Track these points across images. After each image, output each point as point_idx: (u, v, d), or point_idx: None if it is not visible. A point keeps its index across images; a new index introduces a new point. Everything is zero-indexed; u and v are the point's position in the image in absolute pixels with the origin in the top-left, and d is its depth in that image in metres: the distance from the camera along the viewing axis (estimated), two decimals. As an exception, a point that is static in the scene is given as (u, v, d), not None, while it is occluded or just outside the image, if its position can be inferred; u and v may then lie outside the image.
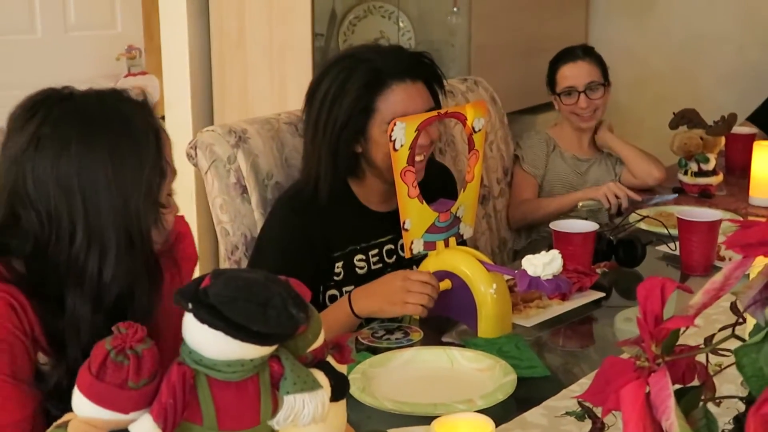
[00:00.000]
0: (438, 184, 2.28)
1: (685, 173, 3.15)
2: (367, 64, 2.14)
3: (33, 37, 3.98)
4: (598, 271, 2.31)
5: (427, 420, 1.36)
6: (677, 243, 2.43)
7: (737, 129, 3.35)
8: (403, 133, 2.01)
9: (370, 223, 2.23)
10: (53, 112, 1.48)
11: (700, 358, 1.19)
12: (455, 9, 4.04)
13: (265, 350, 1.21)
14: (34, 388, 1.45)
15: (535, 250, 1.96)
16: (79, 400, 1.18)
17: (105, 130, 1.48)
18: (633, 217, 2.69)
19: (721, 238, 2.36)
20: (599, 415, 1.59)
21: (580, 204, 2.90)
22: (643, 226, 2.65)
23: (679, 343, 1.16)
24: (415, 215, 2.08)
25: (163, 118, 3.51)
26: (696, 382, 1.18)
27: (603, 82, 3.23)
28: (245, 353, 1.19)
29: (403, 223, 2.07)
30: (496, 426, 1.38)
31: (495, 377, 1.75)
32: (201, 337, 1.19)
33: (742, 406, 1.22)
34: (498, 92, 3.17)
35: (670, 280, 1.14)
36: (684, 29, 4.51)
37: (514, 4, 4.16)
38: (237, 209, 2.29)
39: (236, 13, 3.79)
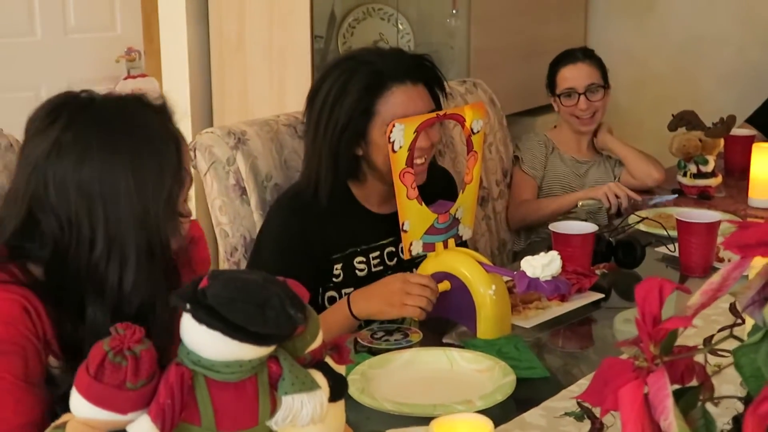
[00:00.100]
0: (438, 189, 2.28)
1: (684, 175, 3.15)
2: (368, 67, 2.14)
3: (32, 39, 3.97)
4: (598, 272, 2.31)
5: (427, 421, 1.36)
6: (676, 244, 2.43)
7: (736, 131, 3.35)
8: (401, 135, 2.01)
9: (370, 225, 2.23)
10: (75, 118, 1.47)
11: (699, 358, 1.19)
12: (454, 11, 4.04)
13: (263, 351, 1.21)
14: (45, 392, 1.45)
15: (534, 252, 1.96)
16: (77, 400, 1.18)
17: (127, 138, 1.48)
18: (632, 218, 2.69)
19: (720, 240, 2.36)
20: (598, 415, 1.59)
21: (580, 203, 2.91)
22: (642, 227, 2.65)
23: (679, 344, 1.16)
24: (414, 217, 2.08)
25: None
26: (695, 383, 1.18)
27: (603, 84, 3.23)
28: (243, 354, 1.19)
29: (402, 224, 2.07)
30: (496, 426, 1.38)
31: (494, 378, 1.75)
32: (199, 338, 1.19)
33: (740, 407, 1.22)
34: (497, 94, 3.17)
35: (668, 280, 1.14)
36: (683, 31, 4.51)
37: (513, 6, 4.16)
38: (236, 211, 2.29)
39: (236, 15, 3.80)
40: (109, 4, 4.18)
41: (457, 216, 2.16)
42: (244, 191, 2.29)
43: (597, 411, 1.59)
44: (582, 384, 1.74)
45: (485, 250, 2.97)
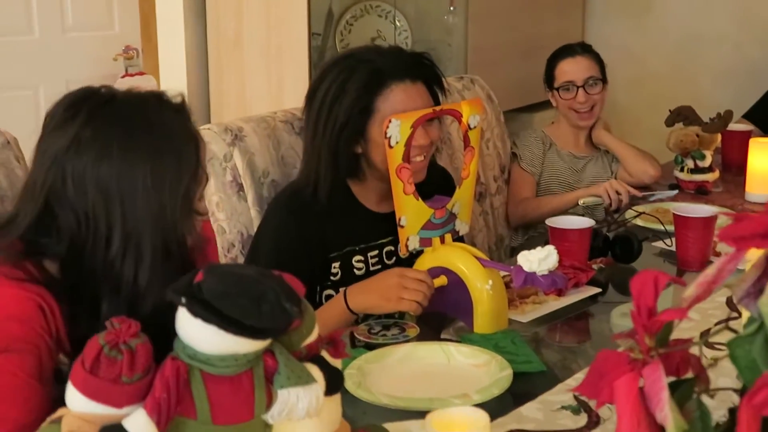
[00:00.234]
0: (434, 187, 2.27)
1: (682, 170, 3.15)
2: (368, 65, 2.14)
3: (30, 38, 3.98)
4: (595, 267, 2.31)
5: (423, 415, 1.36)
6: (673, 239, 2.43)
7: (733, 126, 3.36)
8: (398, 131, 2.01)
9: (369, 224, 2.23)
10: (95, 114, 1.47)
11: (695, 351, 1.19)
12: (452, 8, 4.04)
13: (258, 345, 1.21)
14: (55, 390, 1.45)
15: (532, 247, 1.96)
16: (72, 394, 1.18)
17: (146, 136, 1.48)
18: (629, 213, 2.69)
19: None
20: (594, 408, 1.59)
21: (582, 201, 2.90)
22: (639, 222, 2.65)
23: (676, 337, 1.16)
24: (411, 212, 2.08)
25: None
26: (690, 375, 1.18)
27: (601, 78, 3.23)
28: (239, 348, 1.20)
29: (399, 219, 2.07)
30: (492, 420, 1.38)
31: (491, 372, 1.75)
32: (195, 332, 1.19)
33: (736, 399, 1.22)
34: (495, 91, 3.17)
35: (663, 273, 1.14)
36: (681, 29, 4.51)
37: (510, 3, 4.16)
38: (233, 207, 2.29)
39: (233, 13, 3.80)
40: (107, 3, 4.18)
41: (453, 211, 2.16)
42: (241, 188, 2.29)
43: (593, 404, 1.59)
44: (579, 378, 1.74)
45: (483, 245, 2.97)
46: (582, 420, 1.59)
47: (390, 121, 2.00)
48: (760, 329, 1.09)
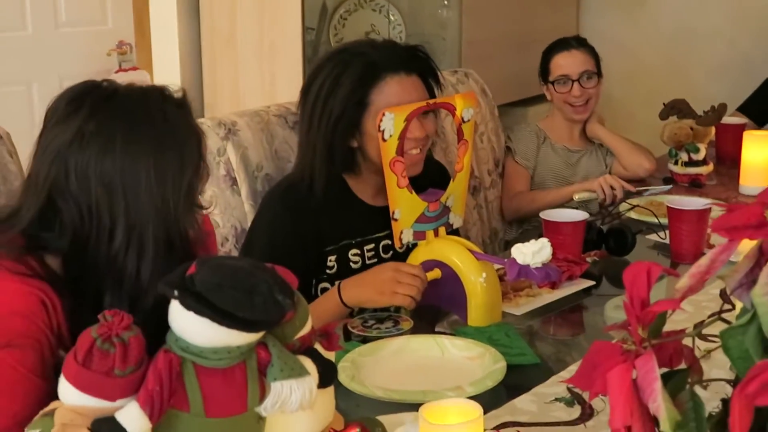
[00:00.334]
0: (427, 182, 2.26)
1: (676, 163, 3.15)
2: (362, 58, 2.14)
3: (23, 34, 3.97)
4: (588, 259, 2.32)
5: (417, 407, 1.36)
6: (667, 232, 2.43)
7: (727, 119, 3.36)
8: (391, 124, 2.01)
9: (366, 218, 2.22)
10: (98, 108, 1.47)
11: (688, 342, 1.19)
12: (446, 2, 4.04)
13: (251, 337, 1.21)
14: (54, 385, 1.45)
15: (526, 241, 1.96)
16: (65, 388, 1.18)
17: (150, 130, 1.47)
18: (623, 206, 2.69)
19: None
20: (587, 400, 1.59)
21: (576, 196, 2.90)
22: (633, 215, 2.65)
23: (669, 329, 1.16)
24: (405, 205, 2.08)
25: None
26: (683, 366, 1.18)
27: (596, 72, 3.23)
28: (232, 340, 1.20)
29: (393, 213, 2.07)
30: (486, 412, 1.38)
31: (485, 365, 1.75)
32: (187, 325, 1.19)
33: (729, 390, 1.22)
34: (489, 85, 3.17)
35: (656, 264, 1.14)
36: (675, 22, 4.51)
37: (504, -3, 4.16)
38: (227, 201, 2.29)
39: (227, 8, 3.79)
40: (100, -2, 4.18)
41: (447, 204, 2.16)
42: (234, 182, 2.29)
43: (586, 396, 1.60)
44: (572, 370, 1.74)
45: (477, 239, 2.97)
46: (575, 412, 1.59)
47: (383, 115, 2.00)
48: (752, 320, 1.09)
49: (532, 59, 3.34)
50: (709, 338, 1.20)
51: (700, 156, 3.12)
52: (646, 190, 2.97)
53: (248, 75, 3.79)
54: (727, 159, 3.32)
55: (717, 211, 2.43)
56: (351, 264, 2.20)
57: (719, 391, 1.28)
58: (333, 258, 2.18)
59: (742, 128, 3.27)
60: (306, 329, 1.30)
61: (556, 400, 1.63)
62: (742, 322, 1.10)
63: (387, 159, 2.03)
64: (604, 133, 3.26)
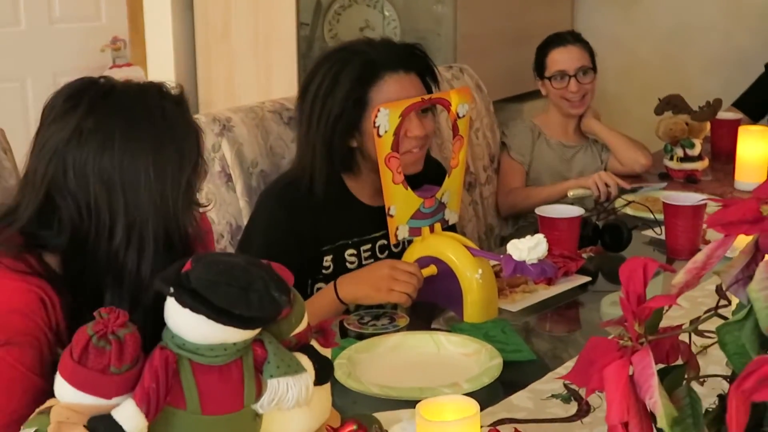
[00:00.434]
0: (425, 179, 2.26)
1: (671, 159, 3.15)
2: (360, 56, 2.14)
3: (17, 30, 3.96)
4: (584, 255, 2.32)
5: (413, 404, 1.36)
6: (663, 227, 2.43)
7: (722, 114, 3.36)
8: (387, 120, 2.00)
9: (363, 218, 2.22)
10: (96, 104, 1.46)
11: (684, 338, 1.19)
12: (440, -3, 4.04)
13: (247, 334, 1.21)
14: (52, 383, 1.45)
15: (522, 237, 1.96)
16: (61, 385, 1.18)
17: (148, 126, 1.47)
18: (619, 201, 2.69)
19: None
20: (584, 396, 1.59)
21: (571, 193, 2.90)
22: (628, 210, 2.66)
23: (666, 326, 1.16)
24: (400, 201, 2.08)
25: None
26: (680, 362, 1.18)
27: (592, 67, 3.23)
28: (228, 337, 1.19)
29: (388, 209, 2.07)
30: (482, 409, 1.38)
31: (481, 361, 1.75)
32: (183, 322, 1.19)
33: (726, 386, 1.22)
34: (484, 80, 3.17)
35: (651, 259, 1.14)
36: (670, 18, 4.51)
37: (499, -8, 4.16)
38: (222, 197, 2.28)
39: (221, 3, 3.79)
40: (94, -6, 4.17)
41: (443, 200, 2.16)
42: (229, 178, 2.29)
43: (583, 392, 1.59)
44: (569, 367, 1.74)
45: (473, 235, 2.97)
46: (572, 408, 1.59)
47: (379, 110, 2.00)
48: (748, 315, 1.09)
49: (528, 54, 3.34)
50: (706, 334, 1.20)
51: (696, 152, 3.13)
52: (641, 186, 2.97)
53: (243, 70, 3.79)
54: (723, 154, 3.32)
55: (712, 207, 2.44)
56: (347, 264, 2.19)
57: (716, 386, 1.28)
58: (329, 258, 2.17)
59: (737, 124, 3.27)
60: (302, 326, 1.30)
61: (553, 396, 1.63)
62: (739, 317, 1.10)
63: (382, 155, 2.02)
64: (600, 129, 3.26)
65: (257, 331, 1.23)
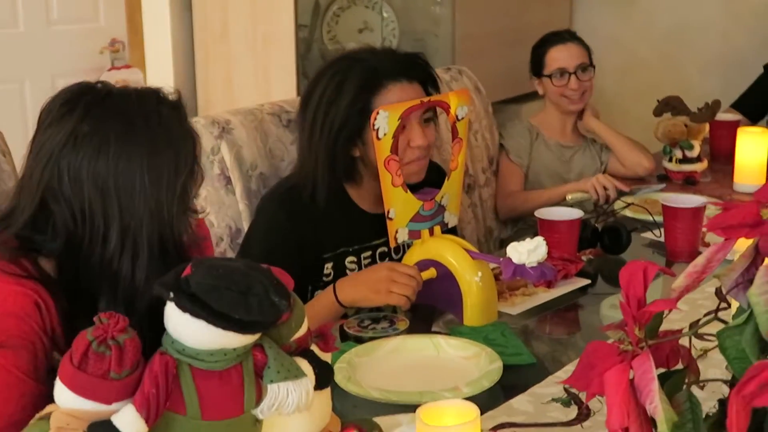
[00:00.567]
0: (423, 181, 2.26)
1: (670, 160, 3.15)
2: (363, 65, 2.14)
3: (15, 31, 3.95)
4: (584, 258, 2.31)
5: (413, 408, 1.36)
6: (662, 230, 2.43)
7: (721, 116, 3.36)
8: (386, 122, 2.00)
9: (364, 225, 2.22)
10: (92, 109, 1.46)
11: (685, 342, 1.19)
12: (439, -1, 4.04)
13: (247, 339, 1.21)
14: (49, 388, 1.44)
15: (521, 239, 1.96)
16: (61, 391, 1.18)
17: (145, 132, 1.47)
18: (618, 204, 2.69)
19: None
20: (584, 400, 1.59)
21: (569, 196, 2.90)
22: (628, 213, 2.65)
23: (665, 328, 1.16)
24: (400, 204, 2.07)
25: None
26: (680, 366, 1.18)
27: (591, 63, 3.23)
28: (227, 342, 1.19)
29: (388, 212, 2.07)
30: (482, 413, 1.38)
31: (481, 365, 1.75)
32: (183, 327, 1.19)
33: (726, 390, 1.22)
34: (483, 82, 3.16)
35: (652, 263, 1.14)
36: (668, 17, 4.51)
37: (497, -7, 4.16)
38: (221, 200, 2.28)
39: (219, 5, 3.79)
40: (93, -4, 4.17)
41: (442, 203, 2.16)
42: (228, 181, 2.28)
43: (583, 396, 1.59)
44: (569, 370, 1.74)
45: (472, 237, 2.97)
46: (572, 412, 1.59)
47: (378, 113, 1.99)
48: (749, 320, 1.09)
49: (526, 55, 3.33)
50: (705, 337, 1.20)
51: (695, 153, 3.12)
52: (639, 188, 2.97)
53: (241, 72, 3.79)
54: (721, 156, 3.32)
55: (712, 209, 2.44)
56: (347, 271, 2.19)
57: (716, 390, 1.28)
58: (330, 265, 2.17)
59: (736, 125, 3.27)
60: (302, 330, 1.30)
61: (553, 400, 1.63)
62: (739, 322, 1.10)
63: (381, 157, 2.02)
64: (601, 128, 3.25)
65: (257, 335, 1.23)
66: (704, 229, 2.36)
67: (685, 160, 3.13)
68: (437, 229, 2.14)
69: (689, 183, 3.09)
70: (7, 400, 1.40)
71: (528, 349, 1.84)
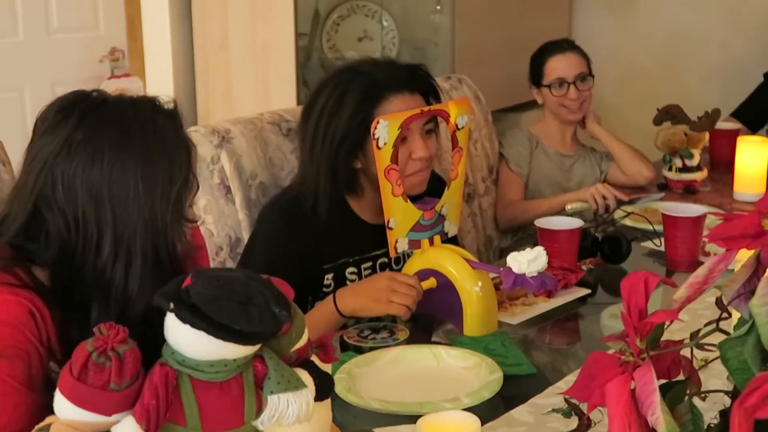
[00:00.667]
0: (428, 194, 2.26)
1: (670, 169, 3.15)
2: (364, 77, 2.14)
3: (15, 40, 3.95)
4: (584, 267, 2.31)
5: (414, 419, 1.35)
6: (662, 239, 2.43)
7: (721, 125, 3.36)
8: (386, 131, 2.00)
9: (364, 237, 2.22)
10: (87, 117, 1.46)
11: (686, 352, 1.19)
12: (438, 7, 4.04)
13: (248, 350, 1.21)
14: (45, 397, 1.44)
15: (521, 249, 1.96)
16: (61, 402, 1.17)
17: (139, 140, 1.46)
18: (618, 213, 2.69)
19: (706, 233, 2.36)
20: (585, 411, 1.59)
21: (569, 206, 2.90)
22: (628, 222, 2.65)
23: (665, 338, 1.16)
24: (400, 214, 2.07)
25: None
26: (682, 377, 1.18)
27: (590, 73, 3.23)
28: (228, 353, 1.19)
29: (388, 222, 2.06)
30: (483, 424, 1.38)
31: (481, 375, 1.74)
32: (183, 338, 1.18)
33: (728, 401, 1.22)
34: (482, 90, 3.17)
35: (653, 273, 1.13)
36: (667, 26, 4.52)
37: (497, 2, 4.16)
38: (221, 210, 2.28)
39: (219, 13, 3.79)
40: (92, 4, 4.16)
41: (442, 212, 2.15)
42: (228, 190, 2.28)
43: (584, 407, 1.59)
44: (569, 380, 1.73)
45: (472, 247, 2.96)
46: (573, 423, 1.59)
47: (378, 122, 1.99)
48: (750, 330, 1.09)
49: (526, 64, 3.33)
50: (707, 347, 1.20)
51: (694, 162, 3.13)
52: (639, 198, 2.97)
53: (241, 81, 3.79)
54: (721, 165, 3.32)
55: (712, 218, 2.44)
56: (348, 282, 2.19)
57: (717, 401, 1.28)
58: (330, 276, 2.17)
59: (735, 134, 3.27)
60: (302, 341, 1.29)
61: (554, 411, 1.63)
62: (740, 333, 1.10)
63: (381, 167, 2.02)
64: (603, 135, 3.24)
65: (257, 346, 1.22)
66: (704, 239, 2.36)
67: (684, 169, 3.13)
68: (437, 238, 2.14)
69: (689, 192, 3.09)
70: (2, 410, 1.39)
71: (528, 359, 1.84)
